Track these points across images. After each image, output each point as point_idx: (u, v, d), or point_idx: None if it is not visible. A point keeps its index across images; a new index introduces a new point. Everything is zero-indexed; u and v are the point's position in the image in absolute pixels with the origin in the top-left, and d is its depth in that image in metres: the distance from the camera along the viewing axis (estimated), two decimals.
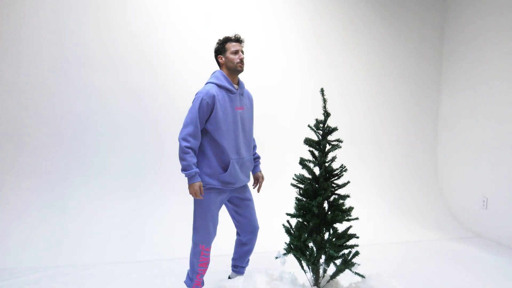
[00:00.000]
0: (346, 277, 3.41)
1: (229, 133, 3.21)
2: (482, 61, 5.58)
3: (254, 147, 3.63)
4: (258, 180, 3.61)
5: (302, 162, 3.20)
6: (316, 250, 3.12)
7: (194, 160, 3.10)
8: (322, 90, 3.17)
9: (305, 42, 5.72)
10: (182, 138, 3.09)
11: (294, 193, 3.30)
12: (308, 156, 3.26)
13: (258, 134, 5.28)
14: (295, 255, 3.20)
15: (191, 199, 4.97)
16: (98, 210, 4.89)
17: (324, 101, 3.16)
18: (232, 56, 3.22)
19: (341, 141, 3.19)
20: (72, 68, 4.87)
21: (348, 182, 3.26)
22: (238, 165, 3.28)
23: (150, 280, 3.90)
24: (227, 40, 3.25)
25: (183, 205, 4.98)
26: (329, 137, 3.23)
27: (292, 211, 3.24)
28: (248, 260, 3.67)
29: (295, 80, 5.69)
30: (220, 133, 3.18)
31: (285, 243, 3.28)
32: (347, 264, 3.11)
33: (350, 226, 3.21)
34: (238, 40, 3.27)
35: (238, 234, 3.58)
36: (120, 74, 5.02)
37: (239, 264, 3.63)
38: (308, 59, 5.75)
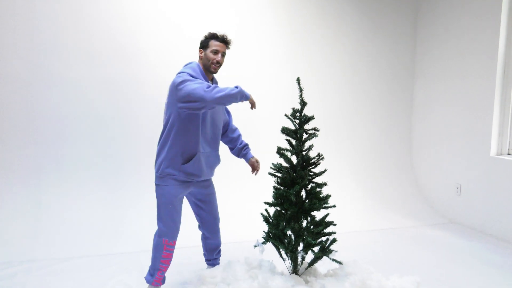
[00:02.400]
0: (324, 264, 3.43)
1: (195, 127, 3.12)
2: (455, 50, 5.65)
3: (239, 136, 3.60)
4: (254, 166, 3.52)
5: (279, 151, 3.22)
6: (294, 238, 3.14)
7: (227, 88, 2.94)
8: (298, 79, 3.17)
9: (280, 31, 5.71)
10: (206, 91, 2.85)
11: (271, 182, 3.28)
12: (285, 145, 3.24)
13: (235, 124, 5.27)
14: (273, 243, 3.22)
15: None
16: (74, 203, 4.83)
17: (301, 90, 3.16)
18: (210, 55, 3.13)
19: (317, 130, 3.22)
20: (46, 61, 4.76)
21: (325, 170, 3.29)
22: (204, 158, 3.23)
23: (127, 273, 3.87)
24: (212, 37, 3.16)
25: None
26: (306, 126, 3.23)
27: (270, 199, 3.24)
28: (219, 251, 3.65)
29: (271, 70, 5.69)
30: (187, 126, 3.09)
31: (264, 231, 3.29)
32: (325, 251, 3.15)
33: (328, 214, 3.24)
34: (223, 40, 3.17)
35: (200, 227, 3.56)
36: (95, 66, 4.94)
37: (211, 258, 3.62)
38: (283, 49, 5.75)
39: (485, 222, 5.19)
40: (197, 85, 2.88)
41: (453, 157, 5.71)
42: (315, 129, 3.21)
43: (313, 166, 3.24)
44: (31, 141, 4.77)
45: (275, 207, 3.23)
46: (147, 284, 3.32)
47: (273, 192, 3.21)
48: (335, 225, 3.20)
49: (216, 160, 3.39)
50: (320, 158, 3.25)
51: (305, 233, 3.13)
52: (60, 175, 4.86)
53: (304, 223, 3.22)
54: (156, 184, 3.21)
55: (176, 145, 3.11)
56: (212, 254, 3.60)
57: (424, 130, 6.28)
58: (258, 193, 3.62)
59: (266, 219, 3.27)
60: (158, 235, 3.22)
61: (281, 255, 3.30)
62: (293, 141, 3.24)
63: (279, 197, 3.19)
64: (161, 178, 3.16)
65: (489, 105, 5.13)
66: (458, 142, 5.61)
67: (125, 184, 5.08)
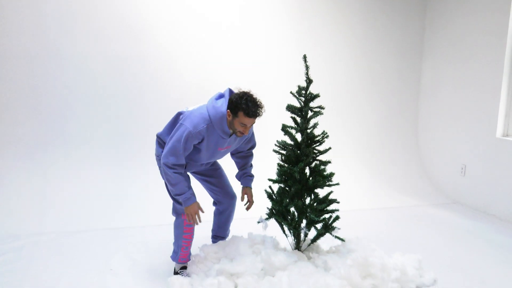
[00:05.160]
0: (326, 241, 3.46)
1: (204, 158, 3.13)
2: (464, 31, 5.58)
3: (246, 164, 3.41)
4: (244, 194, 3.37)
5: (284, 128, 3.20)
6: (298, 214, 3.16)
7: (187, 183, 3.01)
8: (304, 57, 3.15)
9: (287, 9, 5.66)
10: (168, 166, 2.91)
11: (276, 159, 3.28)
12: (290, 123, 3.23)
13: None
14: (277, 220, 3.24)
15: None
16: (80, 177, 4.89)
17: (307, 67, 3.14)
18: (238, 126, 2.92)
19: (323, 108, 3.18)
20: (52, 36, 4.77)
21: (330, 148, 3.29)
22: (202, 167, 3.29)
23: (132, 246, 3.92)
24: (244, 110, 2.85)
25: None
26: (311, 104, 3.21)
27: (274, 177, 3.25)
28: (229, 230, 3.63)
29: (278, 47, 5.66)
30: (196, 156, 3.10)
31: (267, 208, 3.30)
32: (328, 228, 3.17)
33: (331, 192, 3.24)
34: (255, 116, 2.89)
35: (215, 203, 3.52)
36: (101, 42, 4.94)
37: (219, 235, 3.58)
38: (290, 27, 5.70)
39: (489, 202, 5.20)
40: (171, 160, 2.92)
41: (459, 137, 5.69)
42: (320, 107, 3.18)
43: (317, 144, 3.23)
44: (37, 116, 4.81)
45: (279, 184, 3.24)
46: (174, 263, 3.37)
47: (277, 169, 3.22)
48: (338, 202, 3.20)
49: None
50: (325, 136, 3.24)
51: (308, 210, 3.14)
52: (66, 150, 4.91)
53: (307, 200, 3.24)
54: (159, 164, 3.21)
55: None
56: (223, 231, 3.56)
57: (430, 110, 6.24)
58: (262, 170, 3.63)
59: (270, 196, 3.28)
60: (176, 213, 3.24)
61: (284, 232, 3.32)
62: (298, 119, 3.24)
63: (283, 174, 3.19)
64: None
65: (497, 86, 5.09)
66: (465, 122, 5.58)
67: (131, 158, 5.13)
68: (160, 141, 3.21)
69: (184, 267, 3.28)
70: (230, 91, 3.04)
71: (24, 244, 3.92)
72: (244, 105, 2.84)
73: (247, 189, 3.37)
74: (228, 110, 2.90)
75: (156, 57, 5.14)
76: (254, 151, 3.46)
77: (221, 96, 3.05)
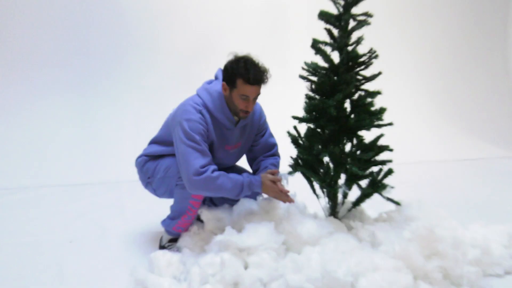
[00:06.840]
0: (374, 204, 2.89)
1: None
2: None
3: (276, 156, 2.98)
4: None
5: (316, 45, 2.65)
6: (334, 166, 2.71)
7: (230, 174, 2.57)
8: None
9: None
10: (203, 177, 2.46)
11: (303, 89, 2.77)
12: (324, 37, 2.72)
13: (259, 15, 4.78)
14: (304, 174, 2.81)
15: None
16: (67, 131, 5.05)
17: None
18: (238, 101, 2.56)
19: (371, 16, 2.61)
20: None
21: (380, 73, 2.70)
22: None
23: (123, 200, 3.87)
24: (242, 76, 2.51)
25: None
26: (354, 10, 2.67)
27: (301, 113, 2.74)
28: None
29: None
30: None
31: (291, 157, 2.83)
32: (376, 186, 2.69)
33: (382, 135, 2.72)
34: (258, 82, 2.55)
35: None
36: None
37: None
38: None
39: None
40: (192, 162, 2.48)
41: None
42: (367, 14, 2.61)
43: (362, 67, 2.68)
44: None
45: (308, 124, 2.75)
46: (163, 229, 2.86)
47: (305, 103, 2.72)
48: (391, 150, 2.67)
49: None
50: (373, 55, 2.65)
51: (349, 160, 2.66)
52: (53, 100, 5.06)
53: (347, 147, 2.74)
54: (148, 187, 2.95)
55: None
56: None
57: None
58: (284, 105, 3.11)
59: (294, 140, 2.80)
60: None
61: (314, 191, 2.83)
62: (335, 31, 2.66)
63: (314, 110, 2.69)
64: None
65: None
66: None
67: (121, 110, 5.12)
68: (148, 158, 2.83)
69: (174, 239, 2.77)
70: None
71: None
72: (242, 69, 2.51)
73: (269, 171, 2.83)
74: (224, 83, 2.61)
75: None
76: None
77: (211, 81, 2.79)
